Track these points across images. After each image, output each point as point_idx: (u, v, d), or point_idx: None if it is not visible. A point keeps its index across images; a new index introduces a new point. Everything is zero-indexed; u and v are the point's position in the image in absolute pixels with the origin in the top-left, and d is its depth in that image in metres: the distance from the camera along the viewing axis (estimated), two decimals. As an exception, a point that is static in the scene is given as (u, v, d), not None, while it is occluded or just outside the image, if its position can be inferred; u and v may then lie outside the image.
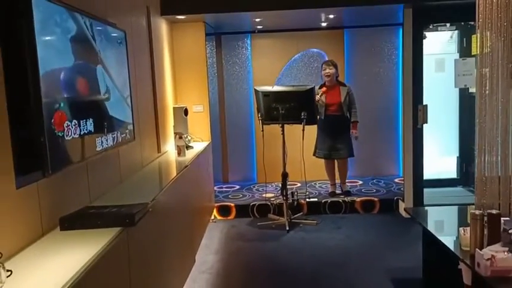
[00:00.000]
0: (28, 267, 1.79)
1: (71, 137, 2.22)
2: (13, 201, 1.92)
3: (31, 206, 2.07)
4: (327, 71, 5.45)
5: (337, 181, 5.83)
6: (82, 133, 2.34)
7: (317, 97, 5.36)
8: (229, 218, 5.46)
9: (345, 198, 5.54)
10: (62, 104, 2.13)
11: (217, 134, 6.27)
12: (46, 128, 1.96)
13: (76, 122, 2.28)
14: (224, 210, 5.49)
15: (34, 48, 1.90)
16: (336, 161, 5.71)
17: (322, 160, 5.70)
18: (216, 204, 5.50)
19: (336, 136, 5.52)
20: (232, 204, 5.50)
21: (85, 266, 1.76)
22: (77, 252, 1.90)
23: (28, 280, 1.67)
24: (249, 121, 6.43)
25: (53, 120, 2.03)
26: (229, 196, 5.83)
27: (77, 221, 2.20)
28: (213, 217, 5.41)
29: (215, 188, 5.90)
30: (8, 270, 1.65)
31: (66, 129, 2.16)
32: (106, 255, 1.93)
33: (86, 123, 2.40)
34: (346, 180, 5.85)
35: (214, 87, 6.32)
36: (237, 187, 6.23)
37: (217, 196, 5.78)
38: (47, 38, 2.05)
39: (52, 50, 2.09)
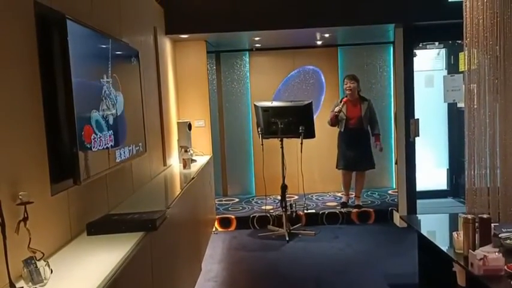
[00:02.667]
0: (66, 267, 1.95)
1: (97, 148, 2.40)
2: (48, 207, 2.09)
3: (62, 213, 2.25)
4: (349, 85, 5.60)
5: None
6: (105, 146, 2.52)
7: (338, 107, 5.54)
8: (230, 229, 5.61)
9: (342, 210, 5.72)
10: (89, 119, 2.32)
11: (217, 148, 6.43)
12: (78, 140, 2.15)
13: (100, 135, 2.46)
14: (225, 222, 5.64)
15: (68, 67, 2.09)
16: (354, 173, 5.80)
17: (319, 174, 5.85)
18: (217, 217, 5.66)
19: (356, 149, 5.63)
20: (233, 216, 5.66)
21: (119, 265, 1.93)
22: (107, 254, 2.07)
23: (70, 277, 1.84)
24: (248, 136, 6.61)
25: (82, 133, 2.22)
26: (229, 208, 5.99)
27: (103, 226, 2.38)
28: (214, 229, 5.56)
29: (215, 200, 6.05)
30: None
31: (93, 141, 2.35)
32: (136, 255, 2.10)
33: (107, 137, 2.58)
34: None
35: (214, 103, 6.48)
36: (237, 200, 6.39)
37: (217, 209, 5.93)
38: (78, 56, 2.24)
39: (81, 67, 2.28)
